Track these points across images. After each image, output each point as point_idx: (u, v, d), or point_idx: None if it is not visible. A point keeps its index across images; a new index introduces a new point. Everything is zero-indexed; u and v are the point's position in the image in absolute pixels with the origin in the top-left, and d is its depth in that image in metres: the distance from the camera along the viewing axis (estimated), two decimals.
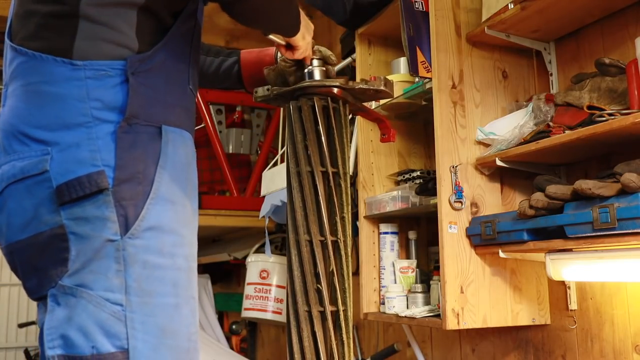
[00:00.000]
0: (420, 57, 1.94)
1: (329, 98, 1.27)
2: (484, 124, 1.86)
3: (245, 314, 3.05)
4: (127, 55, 1.04)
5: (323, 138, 1.24)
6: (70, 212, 0.99)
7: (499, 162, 1.74)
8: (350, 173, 1.37)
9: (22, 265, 1.06)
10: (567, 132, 1.55)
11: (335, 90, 1.28)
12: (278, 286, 3.00)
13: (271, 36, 1.22)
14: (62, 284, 1.00)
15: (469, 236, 1.79)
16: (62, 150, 1.00)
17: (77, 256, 0.99)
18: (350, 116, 1.38)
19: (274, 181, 2.76)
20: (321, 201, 1.21)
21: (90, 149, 1.00)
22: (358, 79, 2.29)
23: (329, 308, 1.21)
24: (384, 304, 2.10)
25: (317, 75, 1.30)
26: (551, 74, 1.90)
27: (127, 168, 1.01)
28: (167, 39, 1.09)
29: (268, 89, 1.33)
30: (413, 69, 1.94)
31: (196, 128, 3.81)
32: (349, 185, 1.25)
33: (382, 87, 1.31)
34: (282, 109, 3.27)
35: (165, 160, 1.06)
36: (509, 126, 1.76)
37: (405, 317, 1.97)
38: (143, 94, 1.04)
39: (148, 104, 1.05)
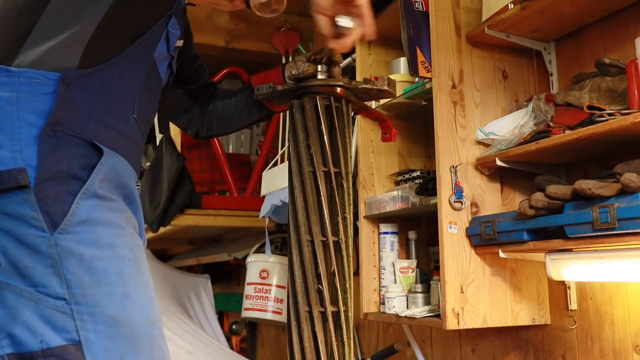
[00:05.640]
0: (420, 57, 1.95)
1: (331, 97, 1.27)
2: (484, 124, 1.86)
3: (245, 314, 3.05)
4: (65, 68, 1.07)
5: (325, 137, 1.24)
6: None
7: (499, 162, 1.74)
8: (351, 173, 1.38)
9: None
10: (567, 132, 1.55)
11: (339, 89, 1.28)
12: (278, 286, 3.00)
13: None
14: None
15: (469, 236, 1.79)
16: None
17: (5, 251, 1.01)
18: (352, 114, 1.38)
19: (274, 181, 2.76)
20: (323, 201, 1.21)
21: (12, 149, 1.02)
22: (358, 78, 2.29)
23: (329, 308, 1.21)
24: (384, 304, 2.10)
25: (320, 74, 1.30)
26: (551, 74, 1.90)
27: (50, 167, 1.03)
28: (114, 62, 1.12)
29: (270, 87, 1.33)
30: (413, 69, 1.94)
31: None
32: (350, 185, 1.25)
33: (385, 87, 1.31)
34: None
35: (107, 160, 1.07)
36: (509, 126, 1.76)
37: (405, 317, 1.97)
38: (75, 106, 1.07)
39: (78, 116, 1.07)
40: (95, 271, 1.03)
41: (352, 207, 1.26)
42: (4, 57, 1.07)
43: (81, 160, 1.06)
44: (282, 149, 3.03)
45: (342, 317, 1.22)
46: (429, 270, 2.21)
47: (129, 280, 1.06)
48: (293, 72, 1.33)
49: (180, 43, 1.30)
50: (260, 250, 3.12)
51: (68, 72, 1.07)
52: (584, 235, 1.43)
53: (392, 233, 2.18)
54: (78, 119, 1.07)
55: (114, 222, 1.08)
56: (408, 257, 2.20)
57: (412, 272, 2.11)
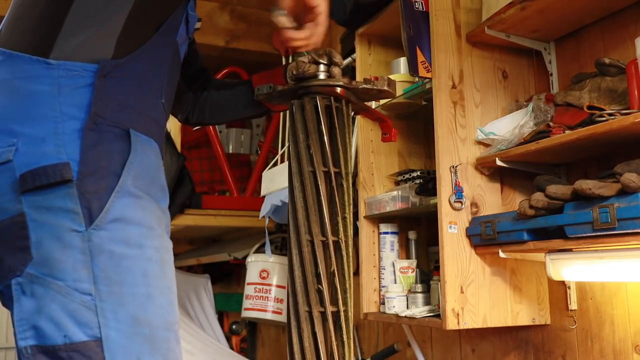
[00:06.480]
0: (420, 57, 1.94)
1: (332, 97, 1.27)
2: (484, 124, 1.86)
3: (245, 314, 3.05)
4: (101, 59, 1.08)
5: (325, 138, 1.24)
6: (31, 200, 1.01)
7: (499, 162, 1.74)
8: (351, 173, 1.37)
9: None
10: (567, 132, 1.56)
11: (339, 89, 1.28)
12: (278, 286, 3.00)
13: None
14: (29, 272, 1.01)
15: (469, 236, 1.79)
16: (27, 142, 1.03)
17: (40, 244, 1.01)
18: (352, 114, 1.37)
19: (274, 181, 2.76)
20: (323, 201, 1.21)
21: (56, 144, 1.03)
22: (358, 78, 2.29)
23: (329, 308, 1.21)
24: (384, 304, 2.10)
25: (320, 75, 1.30)
26: (551, 74, 1.90)
27: (91, 163, 1.03)
28: (143, 50, 1.13)
29: (270, 87, 1.33)
30: (413, 69, 1.94)
31: (196, 128, 3.82)
32: (350, 185, 1.25)
33: (385, 87, 1.31)
34: None
35: (134, 157, 1.08)
36: (509, 126, 1.76)
37: (405, 317, 1.97)
38: (111, 96, 1.08)
39: (116, 107, 1.08)
40: (122, 269, 1.04)
41: (352, 207, 1.25)
42: (40, 49, 1.06)
43: (120, 156, 1.07)
44: (282, 149, 3.02)
45: (342, 317, 1.22)
46: (429, 270, 2.20)
47: (152, 282, 1.07)
48: (294, 72, 1.33)
49: (199, 25, 1.31)
50: (260, 250, 3.12)
51: (105, 64, 1.07)
52: (584, 235, 1.43)
53: (392, 233, 2.18)
54: (115, 109, 1.08)
55: (145, 222, 1.08)
56: (408, 257, 2.20)
57: (412, 272, 2.11)
